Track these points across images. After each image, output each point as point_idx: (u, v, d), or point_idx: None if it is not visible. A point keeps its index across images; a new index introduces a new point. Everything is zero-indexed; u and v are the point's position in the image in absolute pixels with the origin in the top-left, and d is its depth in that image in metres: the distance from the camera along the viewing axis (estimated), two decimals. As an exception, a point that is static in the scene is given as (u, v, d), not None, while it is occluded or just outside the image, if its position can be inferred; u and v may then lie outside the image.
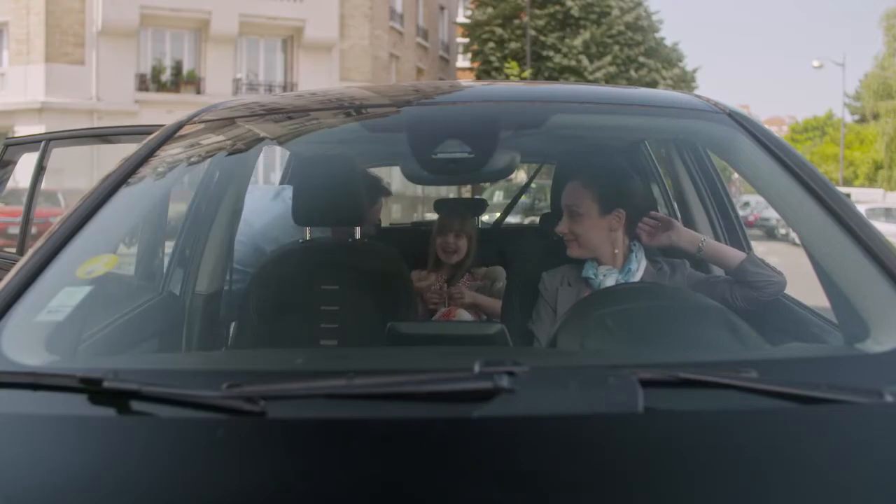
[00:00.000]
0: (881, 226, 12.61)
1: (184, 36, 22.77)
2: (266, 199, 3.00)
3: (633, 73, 26.27)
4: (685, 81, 28.49)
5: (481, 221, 3.63)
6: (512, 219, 4.34)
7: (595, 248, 1.88)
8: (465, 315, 2.49)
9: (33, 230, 3.26)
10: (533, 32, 25.39)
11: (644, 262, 1.88)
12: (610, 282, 1.85)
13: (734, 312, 1.57)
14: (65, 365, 1.18)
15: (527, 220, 6.73)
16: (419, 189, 12.68)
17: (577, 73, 25.51)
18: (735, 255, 1.90)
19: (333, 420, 0.92)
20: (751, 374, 0.96)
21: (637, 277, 1.86)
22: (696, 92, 14.58)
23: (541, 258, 2.06)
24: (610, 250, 1.88)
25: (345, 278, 2.10)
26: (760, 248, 2.05)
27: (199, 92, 22.17)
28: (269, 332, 2.02)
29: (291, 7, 22.82)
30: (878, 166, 36.22)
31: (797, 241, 1.47)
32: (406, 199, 16.02)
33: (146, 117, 20.67)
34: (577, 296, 1.85)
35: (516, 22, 26.62)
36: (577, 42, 25.85)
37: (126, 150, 1.64)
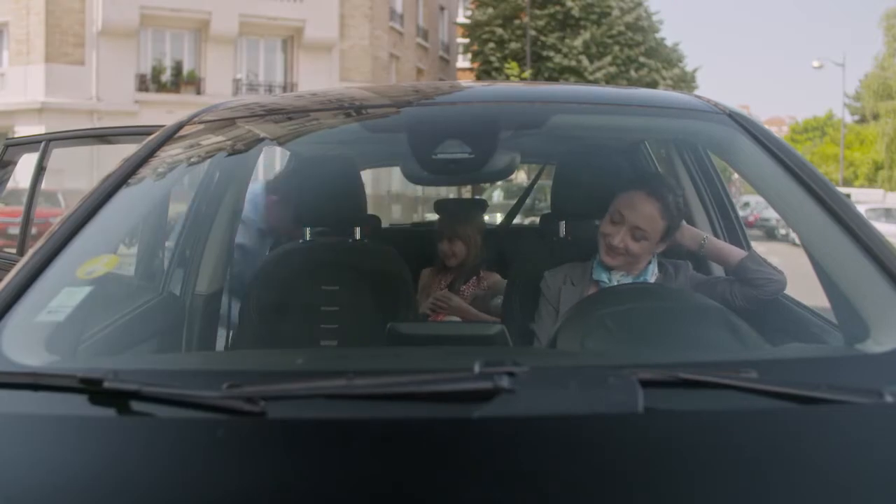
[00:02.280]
0: (881, 226, 12.59)
1: (184, 36, 22.76)
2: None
3: (633, 73, 26.24)
4: (685, 82, 28.46)
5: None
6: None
7: (634, 264, 1.86)
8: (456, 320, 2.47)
9: (33, 230, 3.26)
10: (533, 33, 25.38)
11: (657, 270, 1.88)
12: None
13: (734, 312, 1.57)
14: (65, 365, 1.18)
15: (527, 221, 6.73)
16: (419, 189, 12.69)
17: (578, 74, 25.50)
18: (736, 252, 1.91)
19: (334, 420, 0.92)
20: (751, 374, 0.97)
21: None
22: (697, 92, 14.58)
23: (541, 258, 2.06)
24: (640, 266, 1.87)
25: (345, 278, 2.10)
26: (760, 249, 2.05)
27: (199, 92, 22.16)
28: (270, 333, 2.02)
29: (291, 7, 22.81)
30: (878, 167, 36.23)
31: (797, 241, 1.48)
32: (406, 199, 16.03)
33: (146, 117, 20.65)
34: (581, 295, 1.85)
35: (516, 22, 26.60)
36: (578, 42, 25.83)
37: (126, 150, 1.64)
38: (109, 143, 3.38)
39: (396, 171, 3.50)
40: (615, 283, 1.85)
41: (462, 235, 2.69)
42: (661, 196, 1.83)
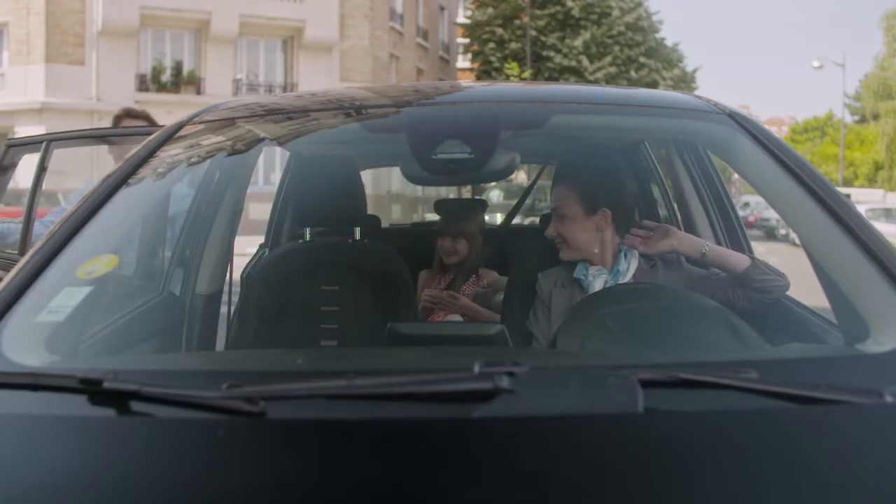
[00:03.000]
0: (881, 226, 12.59)
1: (184, 36, 22.76)
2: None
3: (633, 73, 26.25)
4: (685, 82, 28.47)
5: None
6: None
7: (583, 249, 1.88)
8: (458, 319, 2.46)
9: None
10: (533, 33, 25.38)
11: (635, 262, 1.88)
12: (599, 283, 1.85)
13: (735, 312, 1.57)
14: (65, 365, 1.18)
15: (527, 221, 6.73)
16: (419, 189, 12.69)
17: (578, 74, 25.50)
18: (740, 260, 1.87)
19: (333, 420, 0.92)
20: (751, 374, 0.96)
21: (628, 277, 1.85)
22: (697, 92, 14.54)
23: (540, 259, 2.06)
24: (599, 251, 1.87)
25: (345, 278, 2.11)
26: (760, 249, 2.05)
27: (199, 92, 22.16)
28: (270, 333, 2.02)
29: (291, 7, 22.81)
30: (878, 167, 36.26)
31: (797, 241, 1.47)
32: (406, 199, 16.02)
33: (146, 118, 20.62)
34: (570, 297, 1.86)
35: (517, 22, 26.61)
36: (578, 42, 25.84)
37: (126, 150, 1.64)
38: (111, 143, 3.38)
39: (396, 171, 3.50)
40: (591, 279, 1.85)
41: (466, 233, 2.69)
42: (567, 176, 1.91)
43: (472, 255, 2.70)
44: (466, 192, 6.34)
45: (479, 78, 26.82)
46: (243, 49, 23.30)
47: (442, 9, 31.29)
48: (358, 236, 2.28)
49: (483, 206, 3.77)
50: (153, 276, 2.42)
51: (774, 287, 1.80)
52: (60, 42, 21.10)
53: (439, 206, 3.17)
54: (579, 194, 1.86)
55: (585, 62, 25.65)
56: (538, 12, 26.06)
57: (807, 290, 1.62)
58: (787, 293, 1.86)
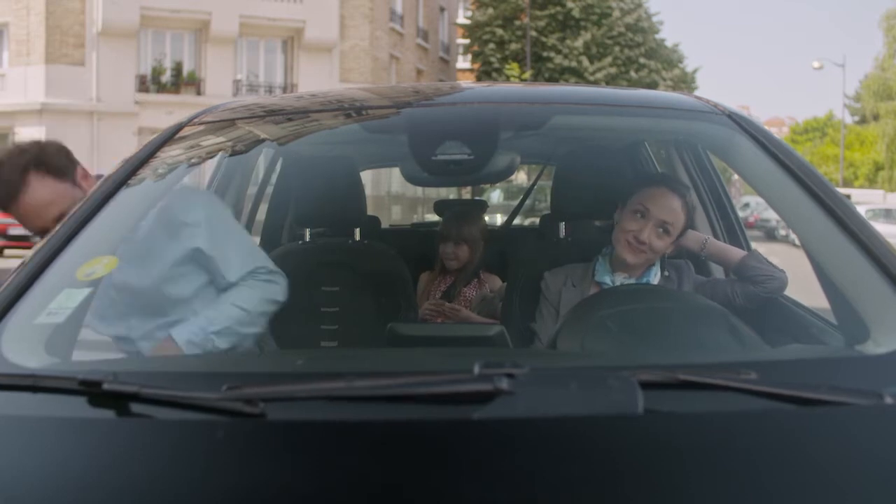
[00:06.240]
0: (881, 227, 12.58)
1: (184, 37, 22.75)
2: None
3: (633, 74, 26.25)
4: (685, 82, 28.47)
5: None
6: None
7: (647, 264, 1.86)
8: None
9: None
10: (533, 33, 25.38)
11: (659, 273, 1.88)
12: None
13: (735, 312, 1.57)
14: (65, 367, 1.18)
15: (527, 221, 6.72)
16: (419, 190, 12.69)
17: (578, 75, 25.50)
18: (737, 252, 1.91)
19: (333, 422, 0.92)
20: (751, 375, 0.96)
21: None
22: (697, 93, 14.53)
23: (541, 259, 2.06)
24: (645, 268, 1.88)
25: (345, 279, 2.11)
26: (760, 250, 2.05)
27: (199, 93, 22.15)
28: (269, 334, 2.02)
29: (291, 8, 22.82)
30: (878, 167, 36.30)
31: (797, 242, 1.47)
32: (406, 199, 16.02)
33: (146, 118, 20.67)
34: (582, 297, 1.85)
35: (517, 23, 26.60)
36: (578, 43, 25.84)
37: (125, 151, 1.64)
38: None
39: (396, 172, 3.50)
40: (617, 286, 1.84)
41: (468, 238, 2.68)
42: (682, 193, 1.86)
43: (474, 260, 2.70)
44: (466, 193, 6.34)
45: (479, 79, 26.82)
46: (243, 49, 23.29)
47: (442, 9, 31.27)
48: (358, 237, 2.28)
49: (483, 206, 3.76)
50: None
51: (771, 277, 1.81)
52: (60, 42, 21.10)
53: (440, 206, 3.17)
54: (686, 218, 1.85)
55: (585, 63, 25.65)
56: (538, 13, 26.05)
57: (807, 291, 1.62)
58: (787, 294, 1.87)
